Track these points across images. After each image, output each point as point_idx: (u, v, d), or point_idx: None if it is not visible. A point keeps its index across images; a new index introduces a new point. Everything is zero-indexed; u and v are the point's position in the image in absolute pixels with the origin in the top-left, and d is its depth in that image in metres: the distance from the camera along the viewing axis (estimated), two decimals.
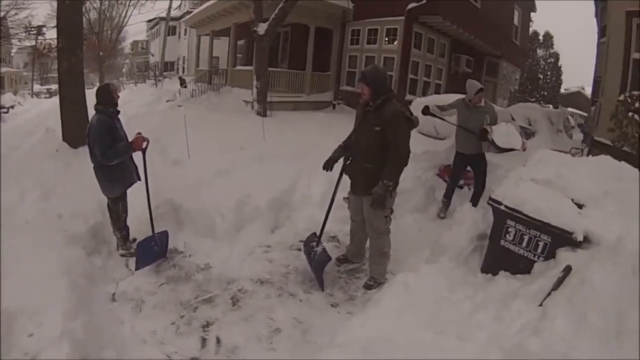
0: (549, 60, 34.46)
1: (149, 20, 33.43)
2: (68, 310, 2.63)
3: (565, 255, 2.51)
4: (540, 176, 2.97)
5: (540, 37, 34.22)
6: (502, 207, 2.80)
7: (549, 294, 2.30)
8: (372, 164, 3.28)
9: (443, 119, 5.10)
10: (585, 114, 21.72)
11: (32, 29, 27.11)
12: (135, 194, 3.85)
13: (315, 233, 3.73)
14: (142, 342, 2.80)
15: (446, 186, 5.18)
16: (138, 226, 4.02)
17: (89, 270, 3.42)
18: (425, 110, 4.88)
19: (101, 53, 27.00)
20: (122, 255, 3.86)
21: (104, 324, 2.89)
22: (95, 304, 3.08)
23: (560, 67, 34.43)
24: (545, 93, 33.31)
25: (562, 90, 34.92)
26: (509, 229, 2.81)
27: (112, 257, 3.88)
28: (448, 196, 5.05)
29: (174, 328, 2.94)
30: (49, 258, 3.13)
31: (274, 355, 2.75)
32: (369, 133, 3.27)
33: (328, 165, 3.55)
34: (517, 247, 2.79)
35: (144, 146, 3.59)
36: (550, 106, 24.80)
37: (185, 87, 14.26)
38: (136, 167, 3.82)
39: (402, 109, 3.21)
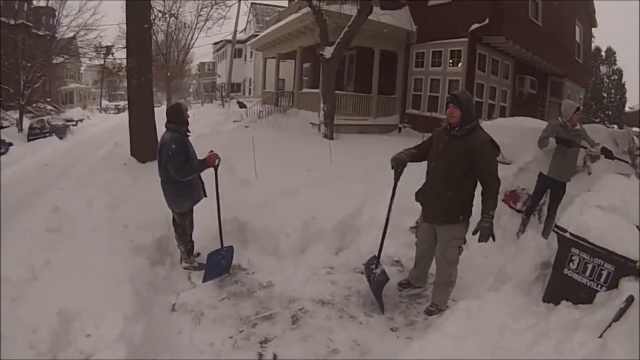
0: (612, 78, 32.85)
1: (215, 43, 35.20)
2: (128, 314, 2.75)
3: (628, 285, 2.43)
4: (606, 202, 2.88)
5: (603, 53, 32.74)
6: (567, 235, 2.74)
7: (610, 325, 2.25)
8: (452, 191, 3.12)
9: (584, 147, 4.63)
10: None
11: (102, 49, 29.92)
12: (201, 210, 3.98)
13: (375, 255, 3.65)
14: (199, 352, 2.87)
15: (522, 215, 4.98)
16: (203, 242, 4.15)
17: (152, 280, 3.57)
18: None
19: (169, 73, 28.69)
20: (185, 268, 3.99)
21: (162, 332, 3.02)
22: (156, 312, 3.22)
23: (624, 84, 32.72)
24: (610, 112, 31.66)
25: (626, 109, 33.15)
26: (573, 257, 2.73)
27: (175, 269, 4.01)
28: (525, 224, 4.85)
29: (231, 342, 3.01)
30: (113, 265, 3.31)
31: None
32: (453, 159, 3.09)
33: (397, 164, 3.32)
34: (580, 276, 2.70)
35: (216, 163, 3.72)
36: (615, 126, 23.57)
37: (245, 108, 14.75)
38: (203, 184, 3.96)
39: (489, 136, 3.07)
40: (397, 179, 3.37)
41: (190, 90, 49.51)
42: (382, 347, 3.00)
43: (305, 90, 14.16)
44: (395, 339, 3.16)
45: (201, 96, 39.47)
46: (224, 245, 3.96)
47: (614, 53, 32.52)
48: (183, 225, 3.93)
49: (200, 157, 3.81)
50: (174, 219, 3.99)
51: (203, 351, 2.91)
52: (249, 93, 28.07)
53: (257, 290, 3.75)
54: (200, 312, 3.35)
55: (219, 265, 3.81)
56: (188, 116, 3.89)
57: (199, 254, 4.10)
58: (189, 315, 3.30)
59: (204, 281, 3.71)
